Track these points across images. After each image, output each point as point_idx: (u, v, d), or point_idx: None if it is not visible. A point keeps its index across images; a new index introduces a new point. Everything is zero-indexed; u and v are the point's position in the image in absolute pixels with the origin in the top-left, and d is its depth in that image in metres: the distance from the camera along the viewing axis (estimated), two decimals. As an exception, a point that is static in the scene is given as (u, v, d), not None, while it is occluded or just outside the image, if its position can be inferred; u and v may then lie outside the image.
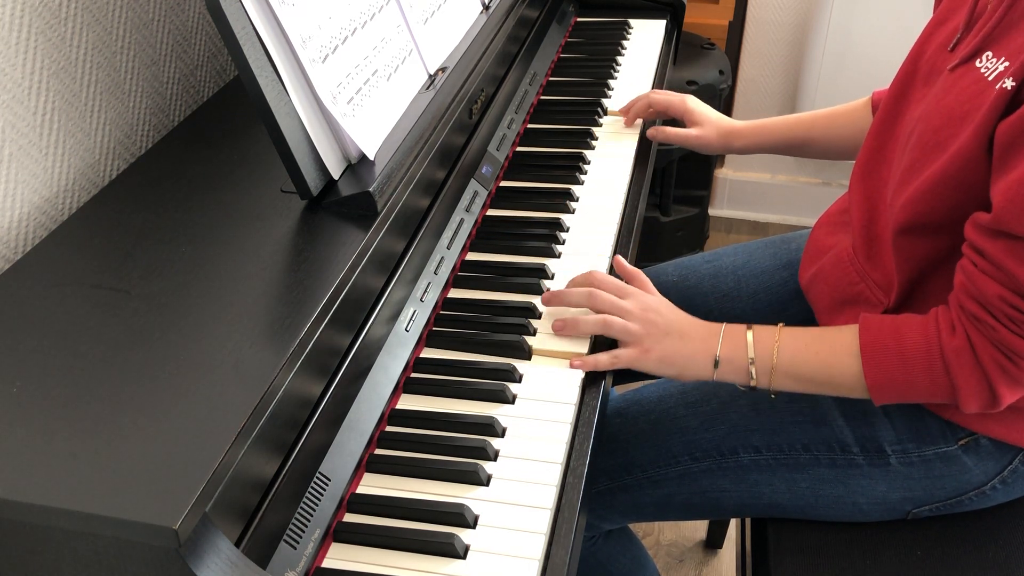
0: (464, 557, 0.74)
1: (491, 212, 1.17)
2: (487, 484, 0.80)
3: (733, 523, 1.74)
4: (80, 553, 0.61)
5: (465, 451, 0.83)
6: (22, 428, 0.64)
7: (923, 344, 0.87)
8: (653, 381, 1.15)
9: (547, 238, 1.11)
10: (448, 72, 1.08)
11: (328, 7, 0.90)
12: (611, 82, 1.48)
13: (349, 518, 0.77)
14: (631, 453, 1.07)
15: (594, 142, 1.33)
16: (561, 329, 0.97)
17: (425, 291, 0.97)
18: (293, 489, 0.72)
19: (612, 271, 1.06)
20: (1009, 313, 0.82)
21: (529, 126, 1.36)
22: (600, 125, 1.37)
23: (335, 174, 0.89)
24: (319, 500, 0.74)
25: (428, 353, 0.95)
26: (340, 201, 0.87)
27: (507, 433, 0.85)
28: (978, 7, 0.91)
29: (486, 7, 1.28)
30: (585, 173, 1.25)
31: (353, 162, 0.92)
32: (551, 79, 1.48)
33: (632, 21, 1.69)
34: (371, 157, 0.91)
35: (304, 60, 0.84)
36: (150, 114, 1.10)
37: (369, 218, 0.86)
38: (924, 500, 1.01)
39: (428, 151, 0.98)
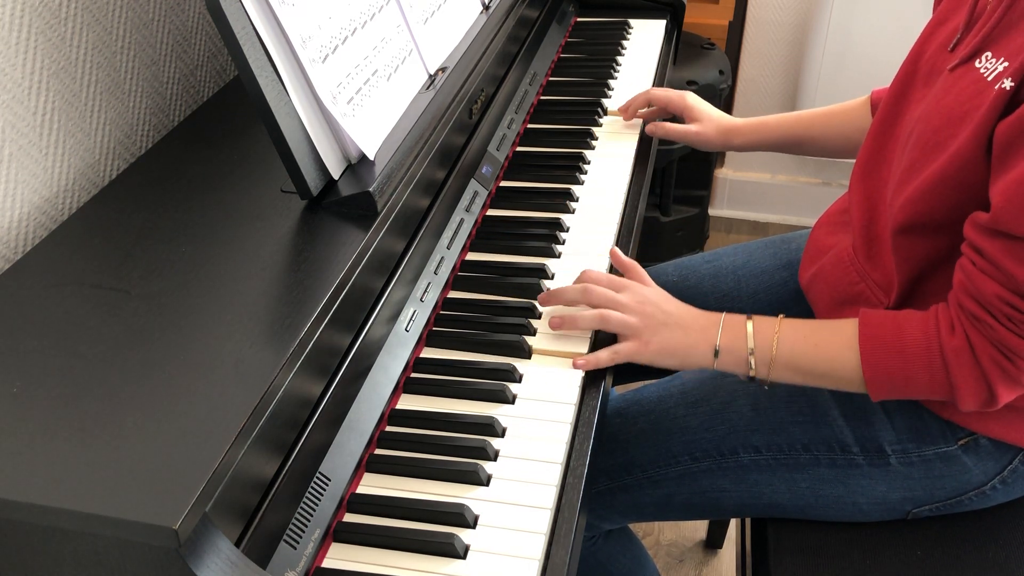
0: (464, 557, 0.74)
1: (491, 212, 1.17)
2: (487, 484, 0.80)
3: (733, 523, 1.74)
4: (80, 553, 0.61)
5: (465, 451, 0.83)
6: (22, 428, 0.64)
7: (923, 341, 0.87)
8: (653, 381, 1.15)
9: (547, 238, 1.11)
10: (448, 72, 1.08)
11: (328, 7, 0.90)
12: (611, 82, 1.48)
13: (349, 518, 0.77)
14: (631, 453, 1.07)
15: (594, 142, 1.33)
16: (559, 325, 0.97)
17: (425, 291, 0.97)
18: (293, 489, 0.72)
19: (612, 271, 1.06)
20: (1007, 312, 0.82)
21: (529, 126, 1.36)
22: (600, 125, 1.37)
23: (335, 174, 0.89)
24: (319, 500, 0.74)
25: (428, 353, 0.95)
26: (340, 201, 0.87)
27: (507, 433, 0.85)
28: (978, 7, 0.91)
29: (486, 7, 1.28)
30: (585, 173, 1.25)
31: (353, 162, 0.92)
32: (551, 79, 1.48)
33: (632, 21, 1.69)
34: (371, 157, 0.91)
35: (304, 60, 0.84)
36: (150, 114, 1.10)
37: (369, 218, 0.86)
38: (924, 500, 1.01)
39: (428, 151, 0.98)
